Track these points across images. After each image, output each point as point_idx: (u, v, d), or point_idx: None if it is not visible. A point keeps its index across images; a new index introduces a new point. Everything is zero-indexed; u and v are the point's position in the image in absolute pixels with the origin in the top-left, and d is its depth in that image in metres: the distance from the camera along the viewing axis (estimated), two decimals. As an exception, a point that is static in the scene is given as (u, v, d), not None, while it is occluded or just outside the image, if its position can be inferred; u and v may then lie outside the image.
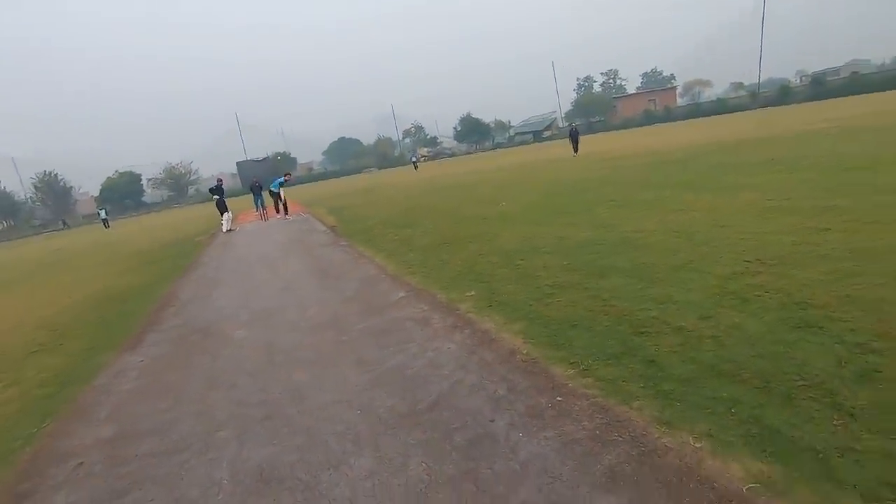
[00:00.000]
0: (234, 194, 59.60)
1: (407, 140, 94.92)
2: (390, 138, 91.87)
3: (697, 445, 2.20)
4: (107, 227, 33.64)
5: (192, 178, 73.67)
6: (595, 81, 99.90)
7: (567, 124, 76.82)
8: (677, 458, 2.15)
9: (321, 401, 3.20)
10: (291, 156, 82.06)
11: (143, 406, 3.58)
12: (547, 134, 77.64)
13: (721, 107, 58.79)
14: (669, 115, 62.71)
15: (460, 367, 3.34)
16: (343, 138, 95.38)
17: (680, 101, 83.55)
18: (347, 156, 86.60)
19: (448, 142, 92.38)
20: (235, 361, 4.16)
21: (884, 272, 3.68)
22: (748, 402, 2.45)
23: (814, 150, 11.46)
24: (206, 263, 9.90)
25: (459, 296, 4.84)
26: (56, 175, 67.40)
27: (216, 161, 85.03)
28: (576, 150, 24.36)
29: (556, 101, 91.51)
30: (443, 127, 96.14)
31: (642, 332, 3.39)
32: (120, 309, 6.93)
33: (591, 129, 68.38)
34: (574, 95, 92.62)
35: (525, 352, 3.40)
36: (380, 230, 10.22)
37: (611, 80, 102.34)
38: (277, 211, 17.81)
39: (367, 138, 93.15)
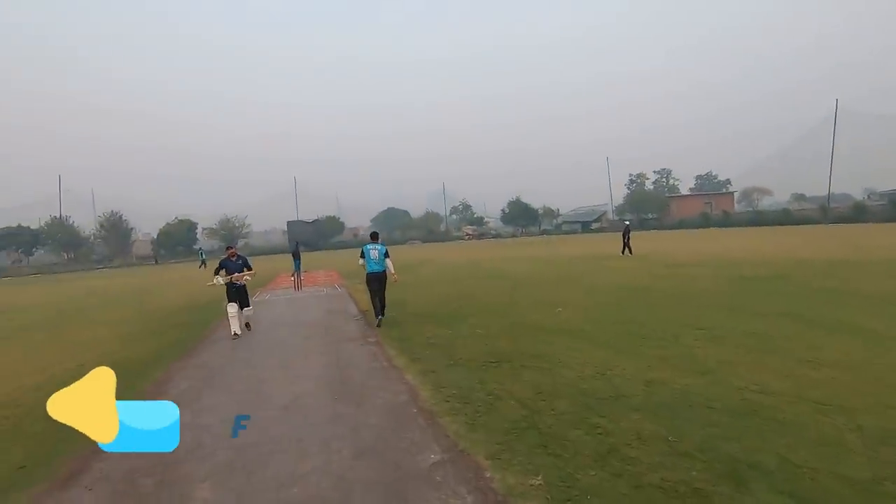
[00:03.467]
0: (280, 251, 60.73)
1: (454, 217, 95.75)
2: (437, 213, 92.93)
3: None
4: (205, 266, 34.08)
5: (244, 230, 76.02)
6: (647, 179, 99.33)
7: (617, 218, 75.89)
8: None
9: None
10: (340, 220, 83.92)
11: None
12: (596, 226, 76.51)
13: (786, 217, 56.13)
14: (728, 220, 60.39)
15: None
16: (392, 208, 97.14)
17: (737, 207, 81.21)
18: (394, 226, 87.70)
19: (494, 222, 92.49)
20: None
21: None
22: None
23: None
24: (216, 342, 8.77)
25: (519, 482, 3.28)
26: (121, 216, 71.23)
27: (268, 219, 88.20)
28: (624, 249, 22.83)
29: (607, 192, 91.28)
30: (491, 207, 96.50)
31: None
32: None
33: (644, 227, 66.82)
34: (625, 190, 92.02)
35: None
36: (416, 326, 8.87)
37: (663, 179, 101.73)
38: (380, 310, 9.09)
39: (416, 211, 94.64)
